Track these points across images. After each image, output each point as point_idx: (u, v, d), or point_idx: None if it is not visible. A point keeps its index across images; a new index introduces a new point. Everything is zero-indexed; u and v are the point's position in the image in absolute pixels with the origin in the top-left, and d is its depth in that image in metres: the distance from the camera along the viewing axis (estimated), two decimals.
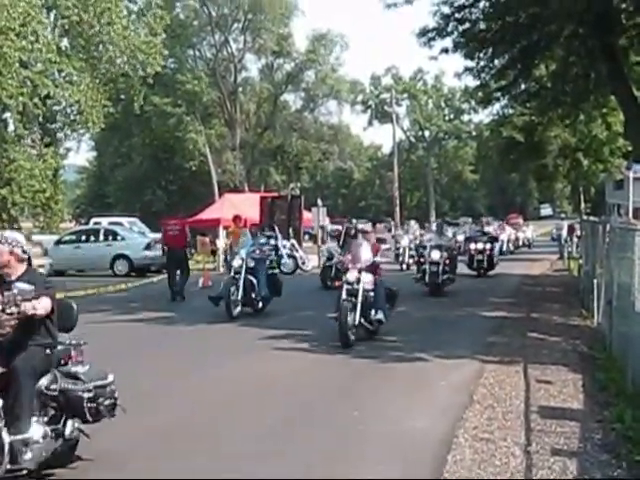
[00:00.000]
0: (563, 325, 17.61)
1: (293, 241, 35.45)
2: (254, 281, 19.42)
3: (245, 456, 8.34)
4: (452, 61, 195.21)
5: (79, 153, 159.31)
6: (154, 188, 79.99)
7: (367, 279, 15.26)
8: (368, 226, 38.72)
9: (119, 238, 34.47)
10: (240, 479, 7.35)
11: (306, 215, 40.50)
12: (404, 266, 34.47)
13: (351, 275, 15.28)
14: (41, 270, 24.43)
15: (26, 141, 39.69)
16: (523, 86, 30.26)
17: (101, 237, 35.01)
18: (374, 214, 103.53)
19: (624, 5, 24.17)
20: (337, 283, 16.58)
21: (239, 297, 19.11)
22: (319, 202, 39.81)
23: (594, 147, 47.91)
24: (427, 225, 52.18)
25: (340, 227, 38.25)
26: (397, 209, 74.71)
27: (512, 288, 26.87)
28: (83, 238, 35.58)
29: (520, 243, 55.75)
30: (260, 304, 19.84)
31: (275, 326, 17.47)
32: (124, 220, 44.67)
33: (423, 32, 25.49)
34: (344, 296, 14.87)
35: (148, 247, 33.69)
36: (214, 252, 35.85)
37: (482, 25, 25.39)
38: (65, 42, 42.48)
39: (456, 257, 26.06)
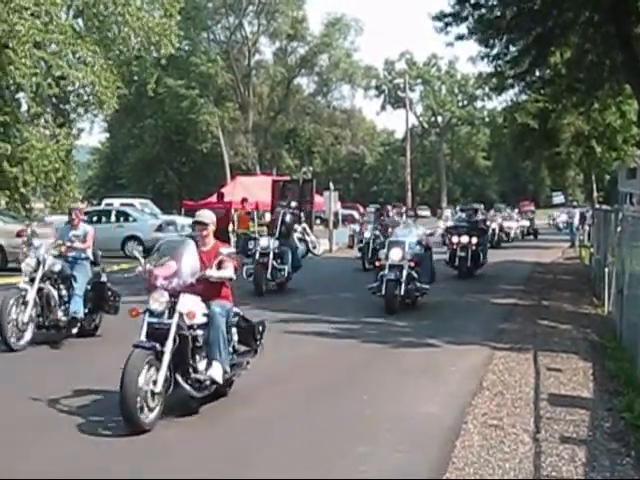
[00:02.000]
0: (574, 313, 17.60)
1: (304, 225, 35.42)
2: (54, 293, 13.47)
3: (254, 441, 8.36)
4: (466, 47, 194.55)
5: (92, 134, 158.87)
6: (166, 170, 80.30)
7: (189, 307, 8.94)
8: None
9: (130, 219, 34.48)
10: (240, 479, 7.36)
11: (318, 199, 40.52)
12: (367, 264, 27.23)
13: (156, 301, 8.94)
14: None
15: (39, 121, 39.67)
16: (537, 73, 30.14)
17: (112, 218, 35.02)
18: (386, 199, 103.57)
19: None
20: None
21: (26, 318, 12.80)
22: (331, 186, 39.82)
23: (607, 135, 47.70)
24: (439, 211, 51.92)
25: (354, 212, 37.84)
26: (409, 194, 74.76)
27: (523, 276, 26.81)
28: (95, 219, 35.60)
29: (525, 232, 52.80)
30: (74, 327, 13.55)
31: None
32: (136, 201, 44.72)
33: (439, 17, 25.39)
34: (141, 337, 8.76)
35: (159, 229, 33.67)
36: None
37: (497, 12, 25.28)
38: (80, 23, 42.44)
39: (430, 258, 19.23)
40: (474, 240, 25.52)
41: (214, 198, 42.14)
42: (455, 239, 25.67)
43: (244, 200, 30.61)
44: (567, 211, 63.47)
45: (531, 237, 52.89)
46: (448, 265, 25.36)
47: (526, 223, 53.45)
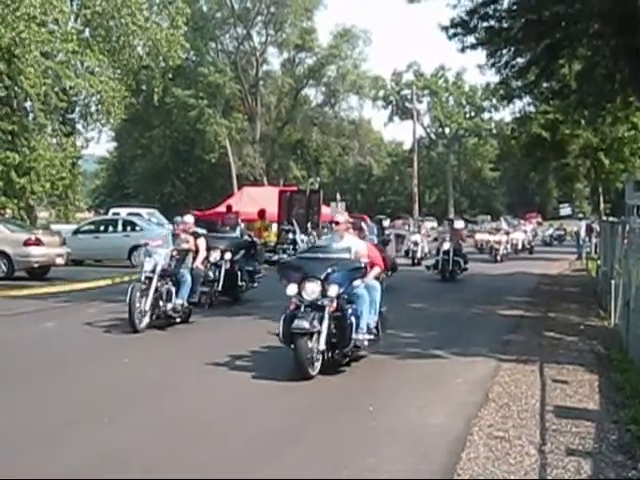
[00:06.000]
0: (580, 325, 17.54)
1: (312, 236, 35.43)
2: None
3: (257, 450, 8.35)
4: (474, 58, 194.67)
5: (99, 143, 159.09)
6: (173, 180, 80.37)
7: None
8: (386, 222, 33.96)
9: (137, 229, 34.42)
10: (240, 479, 7.33)
11: (325, 210, 40.55)
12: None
13: None
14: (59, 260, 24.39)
15: (47, 130, 39.75)
16: (545, 84, 30.12)
17: (119, 227, 35.01)
18: (393, 210, 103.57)
19: None
20: None
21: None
22: (338, 197, 39.87)
23: (615, 147, 47.61)
24: (444, 221, 51.43)
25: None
26: (416, 205, 74.77)
27: (529, 287, 26.76)
28: (101, 228, 35.63)
29: (520, 247, 46.36)
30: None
31: None
32: (143, 211, 44.74)
33: (450, 25, 25.38)
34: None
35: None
36: None
37: (505, 23, 25.29)
38: (87, 32, 42.59)
39: None
40: (331, 292, 11.65)
41: (221, 207, 42.42)
42: (292, 289, 11.78)
43: (261, 211, 31.14)
44: (558, 225, 63.58)
45: (526, 253, 47.77)
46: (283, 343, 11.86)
47: (520, 235, 47.59)
